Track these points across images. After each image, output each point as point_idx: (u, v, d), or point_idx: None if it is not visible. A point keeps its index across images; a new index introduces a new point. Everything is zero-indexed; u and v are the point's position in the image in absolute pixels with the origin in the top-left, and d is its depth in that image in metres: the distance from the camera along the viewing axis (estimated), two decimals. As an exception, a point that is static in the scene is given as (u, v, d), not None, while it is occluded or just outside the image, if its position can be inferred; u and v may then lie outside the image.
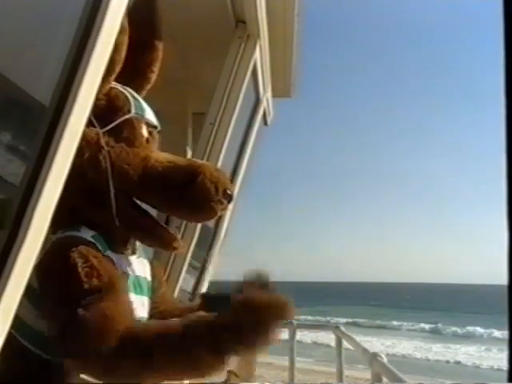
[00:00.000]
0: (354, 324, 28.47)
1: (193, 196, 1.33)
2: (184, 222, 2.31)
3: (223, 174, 1.41)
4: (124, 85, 1.45)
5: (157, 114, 1.53)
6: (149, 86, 1.59)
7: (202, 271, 2.99)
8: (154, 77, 1.59)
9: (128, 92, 1.44)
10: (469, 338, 24.09)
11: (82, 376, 1.27)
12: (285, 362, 4.22)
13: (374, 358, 2.06)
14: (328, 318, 28.83)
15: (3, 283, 0.88)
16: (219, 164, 2.43)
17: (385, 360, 2.02)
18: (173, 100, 3.10)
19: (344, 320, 27.76)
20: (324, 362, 12.87)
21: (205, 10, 2.41)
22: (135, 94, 1.47)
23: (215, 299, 1.46)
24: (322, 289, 73.20)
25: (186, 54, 2.72)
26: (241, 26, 2.48)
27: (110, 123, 1.35)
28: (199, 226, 2.48)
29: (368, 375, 2.24)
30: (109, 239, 1.33)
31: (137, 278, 1.42)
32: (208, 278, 3.02)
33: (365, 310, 36.52)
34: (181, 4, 2.25)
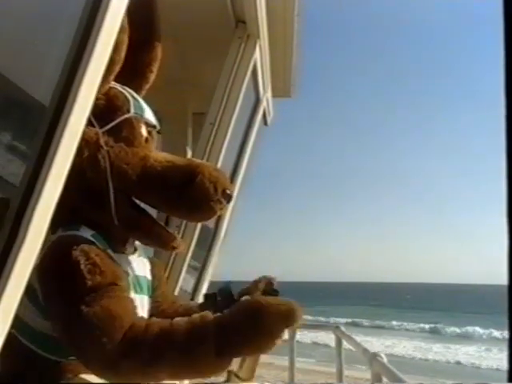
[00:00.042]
0: (354, 324, 28.46)
1: (192, 196, 1.33)
2: (184, 222, 2.31)
3: (222, 173, 1.41)
4: (123, 84, 1.45)
5: (157, 113, 1.53)
6: (148, 86, 1.59)
7: (201, 271, 2.99)
8: (152, 77, 1.59)
9: (127, 92, 1.44)
10: (469, 338, 24.08)
11: (82, 376, 1.28)
12: (285, 362, 4.22)
13: (374, 358, 2.06)
14: (329, 319, 28.81)
15: (3, 283, 0.88)
16: (219, 164, 2.43)
17: (385, 360, 2.02)
18: (173, 100, 3.10)
19: (344, 320, 27.76)
20: (324, 362, 12.86)
21: (205, 10, 2.41)
22: (134, 94, 1.47)
23: (220, 300, 1.46)
24: (322, 289, 73.19)
25: (186, 54, 2.72)
26: (241, 25, 2.48)
27: (110, 123, 1.35)
28: (199, 225, 2.48)
29: (368, 375, 2.24)
30: (108, 238, 1.33)
31: (136, 277, 1.42)
32: (208, 278, 3.02)
33: (365, 310, 36.51)
34: (181, 4, 2.25)
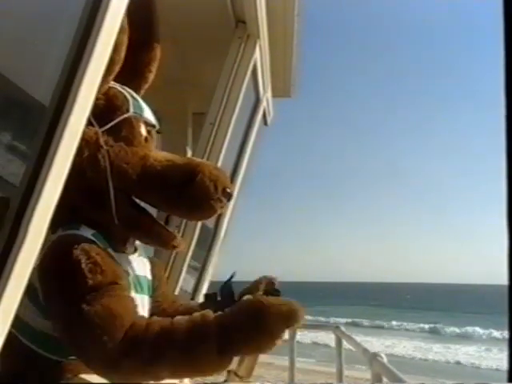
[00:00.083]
0: (354, 324, 28.47)
1: (192, 194, 1.33)
2: (184, 222, 2.31)
3: (223, 172, 1.41)
4: (122, 84, 1.45)
5: (157, 113, 1.54)
6: (147, 86, 1.59)
7: (202, 271, 2.99)
8: (151, 76, 1.60)
9: (126, 91, 1.44)
10: (469, 338, 24.08)
11: (83, 376, 1.28)
12: (285, 362, 4.22)
13: (374, 358, 2.06)
14: (329, 319, 28.81)
15: (3, 283, 0.88)
16: (219, 164, 2.43)
17: (385, 360, 2.02)
18: (173, 100, 3.10)
19: (344, 320, 27.76)
20: (324, 362, 12.87)
21: (205, 10, 2.41)
22: (134, 94, 1.47)
23: (220, 300, 1.46)
24: (322, 289, 73.17)
25: (186, 54, 2.72)
26: (241, 25, 2.48)
27: (109, 122, 1.36)
28: (199, 225, 2.48)
29: (368, 375, 2.24)
30: (108, 238, 1.33)
31: (137, 276, 1.42)
32: (208, 278, 3.02)
33: (365, 310, 36.50)
34: (181, 4, 2.25)
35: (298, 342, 3.93)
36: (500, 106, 0.69)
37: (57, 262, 1.21)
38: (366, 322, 29.94)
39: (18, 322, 1.00)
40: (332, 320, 27.26)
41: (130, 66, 1.44)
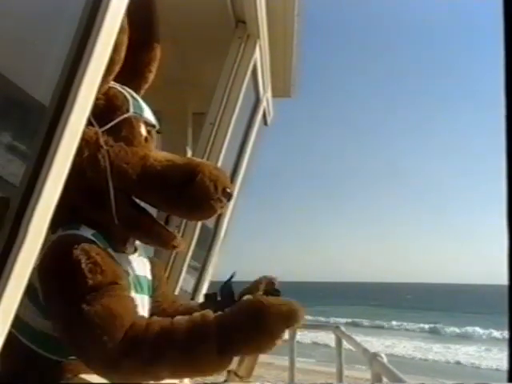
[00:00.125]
0: (354, 324, 28.46)
1: (192, 194, 1.33)
2: (184, 221, 2.31)
3: (222, 172, 1.41)
4: (122, 84, 1.45)
5: (157, 113, 1.54)
6: (147, 86, 1.59)
7: (202, 271, 2.99)
8: (151, 76, 1.60)
9: (126, 91, 1.44)
10: (469, 338, 24.08)
11: (82, 376, 1.28)
12: (285, 362, 4.22)
13: (374, 357, 2.06)
14: (329, 319, 28.81)
15: (3, 283, 0.88)
16: (219, 164, 2.43)
17: (385, 360, 2.02)
18: (173, 100, 3.10)
19: (344, 320, 27.76)
20: (324, 362, 12.87)
21: (205, 10, 2.41)
22: (134, 94, 1.47)
23: (220, 300, 1.46)
24: (322, 289, 73.16)
25: (186, 54, 2.72)
26: (241, 25, 2.48)
27: (109, 122, 1.36)
28: (199, 225, 2.48)
29: (368, 375, 2.24)
30: (109, 238, 1.33)
31: (137, 276, 1.42)
32: (208, 278, 3.02)
33: (365, 310, 36.50)
34: (181, 4, 2.25)
35: (297, 342, 3.93)
36: (500, 105, 0.69)
37: (57, 262, 1.21)
38: (365, 322, 29.94)
39: (17, 322, 1.00)
40: (332, 320, 27.26)
41: (130, 65, 1.44)
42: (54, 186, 0.94)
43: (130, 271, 1.39)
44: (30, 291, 1.07)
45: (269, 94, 3.22)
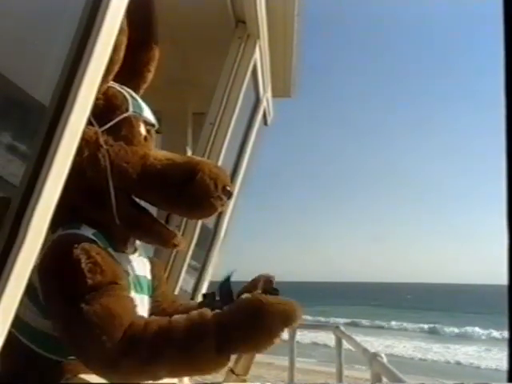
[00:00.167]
0: (354, 324, 28.47)
1: (192, 193, 1.34)
2: (184, 221, 2.31)
3: (223, 170, 1.42)
4: (121, 84, 1.45)
5: (157, 113, 1.54)
6: (145, 85, 1.60)
7: (201, 271, 2.99)
8: (150, 76, 1.60)
9: (126, 91, 1.44)
10: (468, 338, 24.09)
11: (82, 376, 1.28)
12: (285, 362, 4.22)
13: (374, 358, 2.06)
14: (328, 319, 28.81)
15: (3, 283, 0.88)
16: (219, 164, 2.43)
17: (385, 360, 2.02)
18: (173, 100, 3.11)
19: (344, 320, 27.75)
20: (324, 362, 12.87)
21: (205, 10, 2.41)
22: (133, 93, 1.47)
23: (219, 298, 1.46)
24: (322, 289, 73.17)
25: (186, 54, 2.72)
26: (241, 25, 2.48)
27: (109, 122, 1.36)
28: (199, 224, 2.48)
29: (368, 375, 2.24)
30: (109, 237, 1.33)
31: (137, 276, 1.42)
32: (208, 278, 3.02)
33: (365, 310, 36.51)
34: (180, 4, 2.25)
35: (297, 342, 3.93)
36: (500, 106, 0.69)
37: (57, 262, 1.21)
38: (365, 322, 29.95)
39: (17, 322, 1.00)
40: (332, 320, 27.26)
41: (129, 65, 1.44)
42: (54, 186, 0.94)
43: (129, 271, 1.39)
44: (29, 291, 1.07)
45: (269, 94, 3.22)
